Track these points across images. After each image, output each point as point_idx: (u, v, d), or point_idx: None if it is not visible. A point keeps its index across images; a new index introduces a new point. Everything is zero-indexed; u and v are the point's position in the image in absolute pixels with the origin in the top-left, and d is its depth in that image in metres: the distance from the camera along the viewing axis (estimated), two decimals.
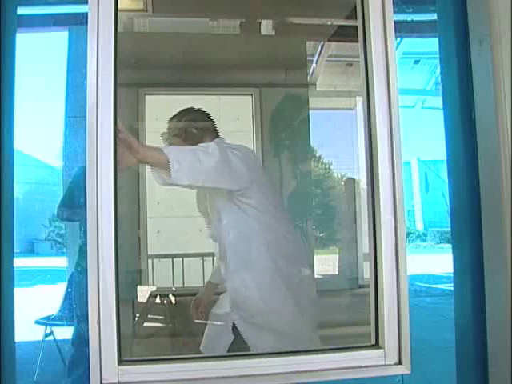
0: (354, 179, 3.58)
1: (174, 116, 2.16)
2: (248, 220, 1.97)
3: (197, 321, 2.23)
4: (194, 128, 2.09)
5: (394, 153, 1.44)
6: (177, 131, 2.10)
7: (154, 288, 3.29)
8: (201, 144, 1.91)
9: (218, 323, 2.10)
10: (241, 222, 1.98)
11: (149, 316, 3.12)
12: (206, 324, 2.21)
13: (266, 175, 2.17)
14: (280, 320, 1.97)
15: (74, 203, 1.50)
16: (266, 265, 1.96)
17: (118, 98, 1.35)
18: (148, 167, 1.85)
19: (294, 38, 3.33)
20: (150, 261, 3.40)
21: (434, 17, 1.73)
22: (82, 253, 1.41)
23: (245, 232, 1.99)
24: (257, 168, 2.05)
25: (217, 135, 2.13)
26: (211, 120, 2.17)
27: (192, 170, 1.76)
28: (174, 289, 3.41)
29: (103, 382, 1.29)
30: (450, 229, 1.68)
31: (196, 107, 2.22)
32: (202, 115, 2.19)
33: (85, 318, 1.31)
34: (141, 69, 2.90)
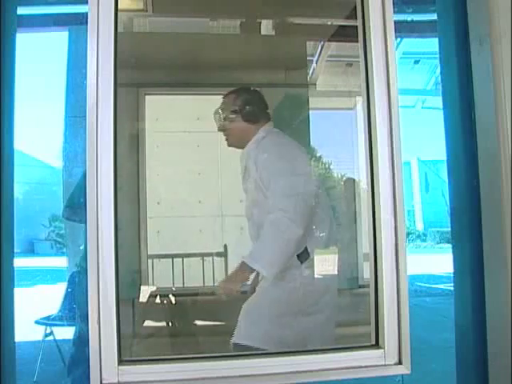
0: (353, 179, 3.57)
1: (232, 92, 2.22)
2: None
3: None
4: (252, 108, 2.16)
5: (394, 153, 1.44)
6: (234, 107, 2.17)
7: (154, 288, 3.29)
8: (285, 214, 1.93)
9: None
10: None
11: (149, 316, 3.12)
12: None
13: None
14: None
15: (81, 204, 1.50)
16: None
17: (118, 98, 1.35)
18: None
19: (294, 38, 3.33)
20: (150, 261, 3.40)
21: (434, 17, 1.73)
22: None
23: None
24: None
25: (269, 117, 2.21)
26: (265, 102, 2.24)
27: (278, 259, 1.94)
28: (173, 289, 3.41)
29: (103, 382, 1.29)
30: (450, 229, 1.68)
31: (252, 88, 2.32)
32: (258, 96, 2.26)
33: (85, 317, 1.31)
34: (141, 69, 2.90)
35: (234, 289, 1.93)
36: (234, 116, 2.16)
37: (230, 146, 2.23)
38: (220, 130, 2.20)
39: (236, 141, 2.20)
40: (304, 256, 2.02)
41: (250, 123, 2.14)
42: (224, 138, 2.23)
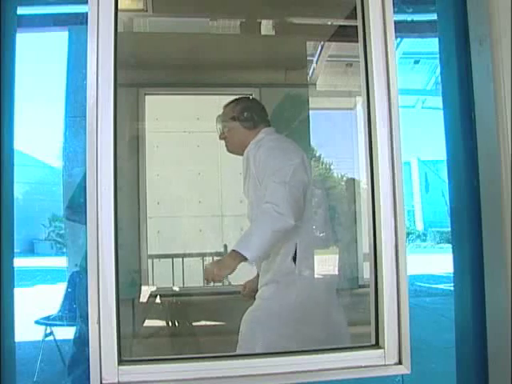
0: (353, 179, 3.58)
1: (232, 101, 2.27)
2: None
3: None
4: (249, 114, 2.20)
5: (394, 153, 1.44)
6: (233, 114, 2.22)
7: (154, 288, 3.29)
8: (279, 211, 1.93)
9: None
10: None
11: (149, 316, 3.12)
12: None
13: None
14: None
15: (82, 204, 1.51)
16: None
17: (118, 98, 1.35)
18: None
19: (294, 38, 3.33)
20: (150, 261, 3.40)
21: (434, 17, 1.73)
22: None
23: None
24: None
25: (268, 124, 2.24)
26: (265, 110, 2.30)
27: (263, 244, 1.94)
28: (177, 289, 3.41)
29: (103, 381, 1.29)
30: (450, 229, 1.68)
31: (251, 97, 2.44)
32: (258, 104, 2.38)
33: (85, 317, 1.31)
34: (141, 69, 2.90)
35: (222, 275, 1.95)
36: (232, 122, 2.20)
37: (229, 151, 2.27)
38: (221, 137, 2.25)
39: (235, 146, 2.23)
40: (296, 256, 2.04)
41: (248, 129, 2.18)
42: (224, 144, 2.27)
